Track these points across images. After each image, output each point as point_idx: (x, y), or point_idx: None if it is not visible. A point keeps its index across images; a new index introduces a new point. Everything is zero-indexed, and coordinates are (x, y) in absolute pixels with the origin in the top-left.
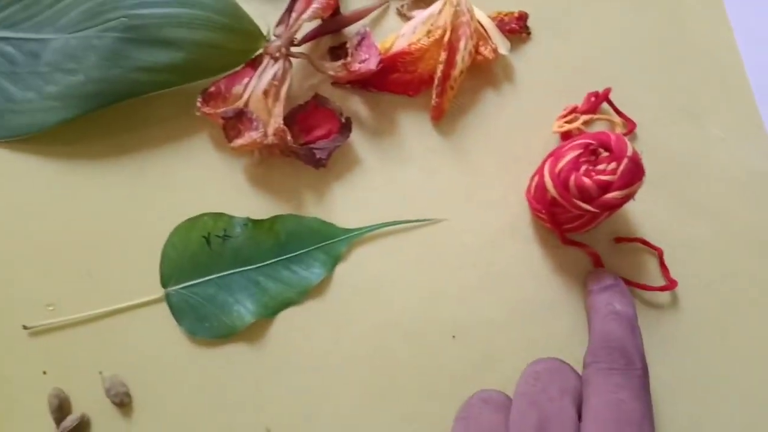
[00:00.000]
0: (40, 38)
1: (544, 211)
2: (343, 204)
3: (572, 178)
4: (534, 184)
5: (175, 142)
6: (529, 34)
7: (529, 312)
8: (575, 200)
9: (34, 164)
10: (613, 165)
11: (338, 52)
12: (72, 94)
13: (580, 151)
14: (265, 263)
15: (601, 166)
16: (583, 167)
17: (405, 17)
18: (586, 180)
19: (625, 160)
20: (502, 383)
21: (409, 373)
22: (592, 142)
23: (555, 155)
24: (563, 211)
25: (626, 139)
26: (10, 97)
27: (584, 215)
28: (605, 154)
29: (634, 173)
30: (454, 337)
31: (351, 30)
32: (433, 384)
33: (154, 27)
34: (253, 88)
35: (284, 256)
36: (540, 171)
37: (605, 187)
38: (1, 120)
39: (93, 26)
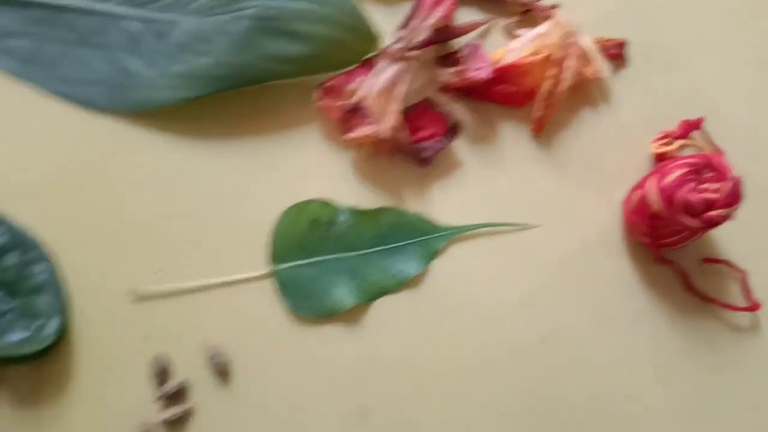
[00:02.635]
0: (168, 20)
1: (644, 225)
2: (442, 203)
3: (679, 193)
4: (635, 198)
5: (287, 131)
6: (626, 60)
7: (615, 322)
8: (679, 215)
9: (152, 138)
10: (717, 185)
11: (447, 60)
12: (199, 75)
13: (687, 169)
14: (367, 251)
15: (706, 185)
16: (689, 184)
17: (511, 35)
18: (692, 196)
19: (730, 181)
20: (585, 387)
21: (496, 370)
22: (699, 161)
23: (660, 172)
24: (664, 225)
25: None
26: (132, 72)
27: (683, 231)
28: (710, 174)
29: (736, 194)
30: (542, 339)
31: (457, 42)
32: (520, 382)
33: (285, 19)
34: (369, 86)
35: (385, 247)
36: (643, 186)
37: (709, 204)
38: (122, 94)
39: (226, 12)
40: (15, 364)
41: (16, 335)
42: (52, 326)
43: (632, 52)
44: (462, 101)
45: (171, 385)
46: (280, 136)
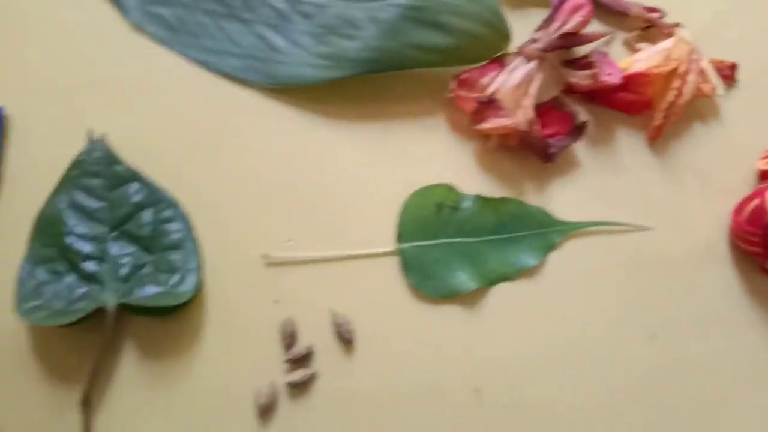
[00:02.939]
0: (316, 2)
1: (758, 235)
2: (561, 198)
3: None
4: (749, 208)
5: (416, 118)
6: (736, 81)
7: (718, 327)
8: None
9: (290, 113)
10: None
11: (573, 64)
12: (345, 57)
13: None
14: (487, 238)
15: None
16: None
17: (632, 47)
18: None
19: None
20: (693, 386)
21: (604, 361)
22: None
23: None
24: None
25: None
26: (276, 48)
27: None
28: None
29: None
30: (652, 336)
31: (581, 49)
32: (627, 374)
33: (434, 10)
34: (502, 81)
35: (504, 235)
36: (760, 197)
37: None
38: (266, 68)
39: (377, 0)
40: (147, 316)
41: (152, 289)
42: (188, 283)
43: (741, 74)
44: (583, 104)
45: (299, 349)
46: (410, 122)
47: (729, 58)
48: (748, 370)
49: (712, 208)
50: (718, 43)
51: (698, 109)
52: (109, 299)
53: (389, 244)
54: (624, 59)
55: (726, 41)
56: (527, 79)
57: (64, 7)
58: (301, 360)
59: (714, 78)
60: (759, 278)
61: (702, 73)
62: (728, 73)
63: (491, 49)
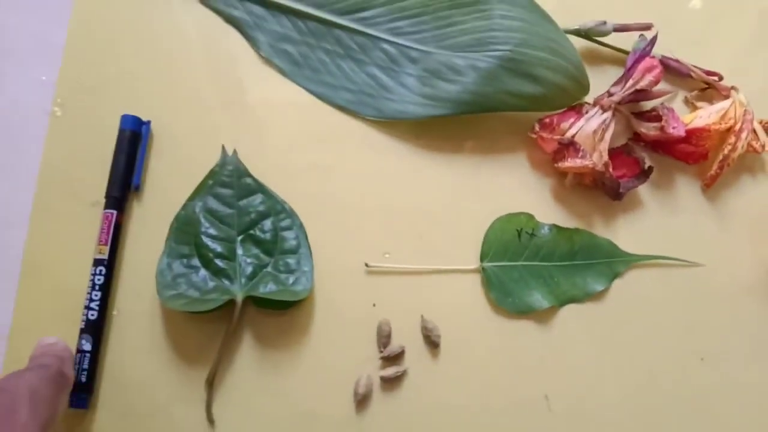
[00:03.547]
0: (422, 49)
1: None
2: (626, 232)
3: None
4: None
5: (504, 154)
6: None
7: (760, 353)
8: None
9: (394, 144)
10: None
11: (641, 116)
12: (447, 98)
13: None
14: (561, 263)
15: None
16: None
17: (692, 105)
18: None
19: None
20: (734, 406)
21: (661, 378)
22: None
23: None
24: None
25: None
26: (385, 87)
27: None
28: None
29: None
30: (702, 359)
31: (648, 103)
32: (680, 392)
33: (529, 64)
34: (580, 127)
35: (576, 262)
36: None
37: None
38: (375, 102)
39: (479, 51)
40: (268, 308)
41: (272, 287)
42: (302, 283)
43: None
44: (647, 152)
45: (393, 348)
46: (497, 157)
47: None
48: None
49: (756, 250)
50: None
51: (748, 163)
52: (238, 292)
53: (474, 262)
54: (685, 115)
55: None
56: (603, 127)
57: (207, 38)
58: (394, 358)
59: (763, 136)
60: None
61: (754, 131)
62: None
63: (572, 98)
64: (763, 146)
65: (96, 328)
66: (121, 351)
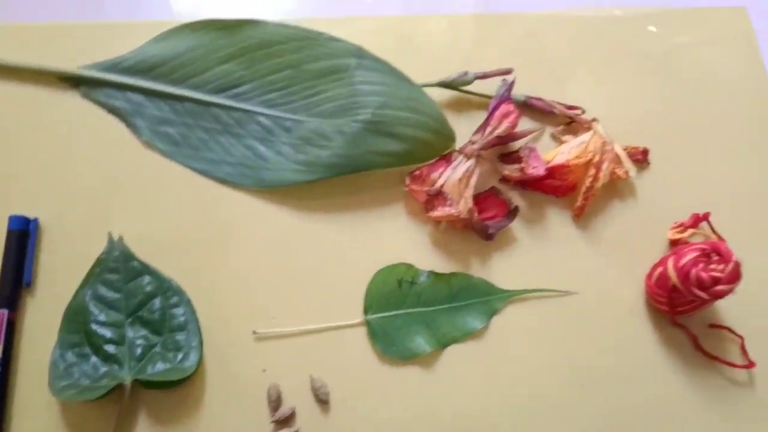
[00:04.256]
0: (295, 118)
1: (664, 296)
2: (501, 270)
3: (693, 271)
4: (656, 273)
5: (381, 207)
6: (648, 163)
7: (638, 374)
8: (693, 288)
9: (274, 209)
10: (722, 266)
11: (508, 158)
12: (318, 163)
13: (699, 253)
14: (440, 307)
15: (713, 266)
16: (701, 264)
17: (558, 140)
18: (703, 274)
19: (732, 263)
20: (616, 426)
21: (545, 409)
22: (707, 247)
23: (677, 254)
24: (680, 297)
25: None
26: (263, 157)
27: (696, 301)
28: (716, 257)
29: (737, 273)
30: (582, 386)
31: (515, 144)
32: (561, 421)
33: (390, 124)
34: (448, 176)
35: (455, 304)
36: (663, 264)
37: (716, 281)
38: (254, 173)
39: (345, 117)
40: (156, 389)
41: (161, 366)
42: (192, 359)
43: (653, 156)
44: (518, 190)
45: (283, 410)
46: (373, 213)
47: (643, 143)
48: (664, 412)
49: (630, 272)
50: (634, 130)
51: (617, 188)
52: (126, 377)
53: (359, 315)
54: (551, 150)
55: (640, 128)
56: (468, 174)
57: (90, 129)
58: (286, 420)
59: (627, 163)
60: (669, 330)
61: (617, 159)
62: (641, 157)
63: (439, 149)
64: (626, 172)
65: None
66: None
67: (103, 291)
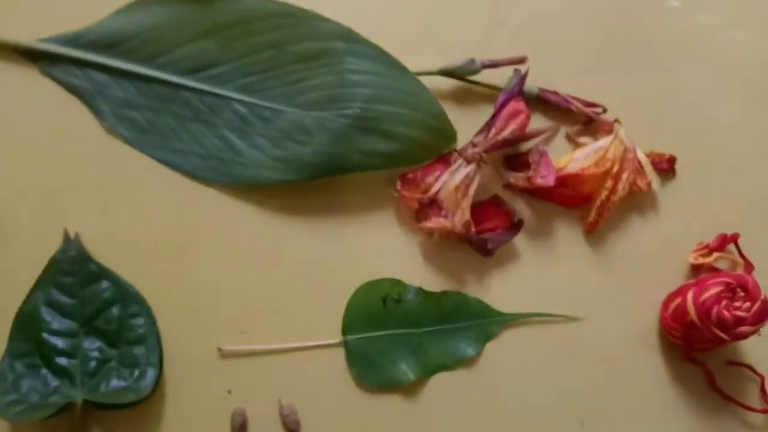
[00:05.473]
0: (274, 108)
1: (680, 330)
2: (499, 289)
3: (714, 309)
4: (673, 305)
5: (366, 213)
6: (674, 174)
7: (646, 412)
8: (713, 328)
9: (248, 211)
10: (748, 304)
11: (514, 161)
12: (298, 161)
13: (722, 288)
14: (429, 329)
15: (738, 303)
16: (724, 302)
17: (574, 141)
18: (726, 313)
19: (759, 302)
20: None
21: None
22: (733, 282)
23: (698, 286)
24: (698, 334)
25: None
26: (237, 150)
27: (714, 340)
28: (742, 293)
29: (765, 313)
30: (581, 424)
31: (525, 145)
32: None
33: (381, 120)
34: (444, 181)
35: (445, 326)
36: (682, 295)
37: (740, 321)
38: (227, 167)
39: (330, 110)
40: (111, 409)
41: (116, 383)
42: (149, 378)
43: (680, 165)
44: (524, 197)
45: None
46: (360, 218)
47: (669, 150)
48: None
49: (644, 297)
50: (659, 135)
51: (637, 200)
52: (78, 395)
53: (337, 335)
54: (566, 154)
55: (666, 133)
56: (467, 181)
57: (49, 112)
58: None
59: (650, 173)
60: (683, 365)
61: (639, 168)
62: (666, 166)
63: (436, 150)
64: (648, 184)
65: None
66: None
67: (57, 295)
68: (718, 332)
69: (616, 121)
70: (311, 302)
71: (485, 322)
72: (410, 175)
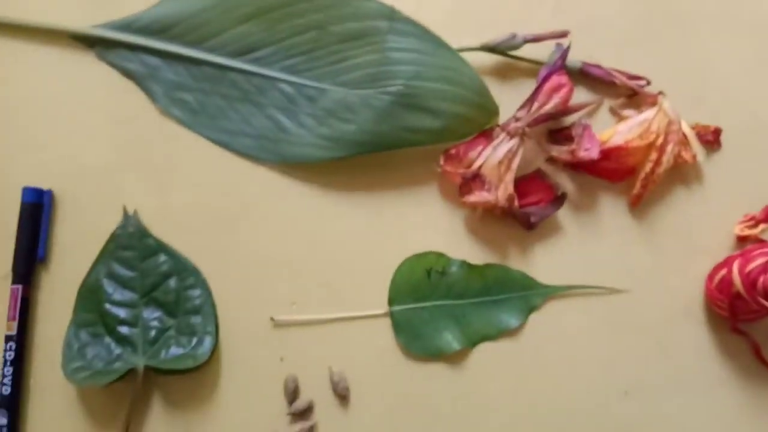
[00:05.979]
0: (319, 87)
1: (725, 302)
2: (543, 262)
3: (760, 280)
4: (719, 276)
5: (411, 188)
6: (720, 146)
7: (691, 383)
8: (759, 298)
9: (297, 187)
10: None
11: (557, 135)
12: (343, 139)
13: None
14: (473, 301)
15: None
16: None
17: (617, 114)
18: None
19: None
20: None
21: (583, 416)
22: None
23: (744, 256)
24: (744, 305)
25: None
26: (284, 129)
27: (761, 311)
28: None
29: None
30: (625, 393)
31: (569, 119)
32: (603, 429)
33: (424, 97)
34: (487, 156)
35: (489, 298)
36: (727, 266)
37: None
38: (275, 146)
39: (373, 88)
40: (170, 374)
41: (175, 350)
42: (206, 345)
43: (726, 137)
44: (567, 171)
45: (300, 403)
46: (404, 194)
47: (715, 122)
48: (716, 427)
49: (690, 269)
50: (704, 106)
51: (682, 173)
52: (139, 361)
53: (384, 306)
54: (610, 127)
55: (711, 105)
56: (509, 156)
57: (105, 95)
58: (302, 413)
59: (695, 145)
60: (729, 337)
61: (683, 141)
62: (712, 138)
63: (479, 125)
64: (694, 156)
65: (11, 403)
66: (39, 423)
67: (118, 268)
68: (764, 302)
69: (660, 93)
70: (358, 275)
71: (528, 294)
72: (453, 151)
